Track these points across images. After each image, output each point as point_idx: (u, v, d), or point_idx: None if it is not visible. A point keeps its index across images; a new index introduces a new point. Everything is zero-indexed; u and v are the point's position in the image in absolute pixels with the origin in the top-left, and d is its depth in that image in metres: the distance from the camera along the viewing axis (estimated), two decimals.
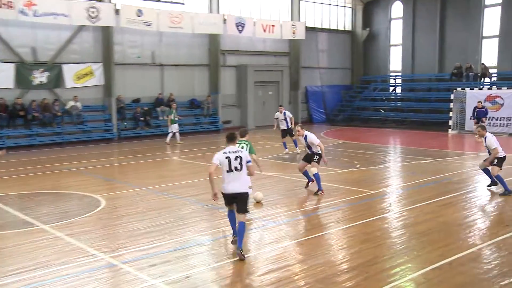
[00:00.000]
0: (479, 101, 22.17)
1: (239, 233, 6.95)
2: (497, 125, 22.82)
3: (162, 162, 16.31)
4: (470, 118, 22.79)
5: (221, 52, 27.13)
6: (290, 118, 17.55)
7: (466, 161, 15.70)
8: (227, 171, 7.01)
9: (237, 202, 7.04)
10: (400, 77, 32.78)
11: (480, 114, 21.74)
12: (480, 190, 11.36)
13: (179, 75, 26.04)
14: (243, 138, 9.60)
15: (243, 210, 7.01)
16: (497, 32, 27.96)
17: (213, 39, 26.62)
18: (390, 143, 21.98)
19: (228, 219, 7.52)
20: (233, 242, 7.41)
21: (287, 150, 17.34)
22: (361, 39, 33.71)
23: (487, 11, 28.44)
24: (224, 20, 24.83)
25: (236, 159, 7.04)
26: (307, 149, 11.26)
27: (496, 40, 28.08)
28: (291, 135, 17.52)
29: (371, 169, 14.07)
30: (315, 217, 9.17)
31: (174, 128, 20.84)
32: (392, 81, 33.60)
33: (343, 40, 33.68)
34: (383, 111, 30.76)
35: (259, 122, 28.30)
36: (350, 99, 32.81)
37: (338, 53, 33.47)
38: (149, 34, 24.17)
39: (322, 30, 32.37)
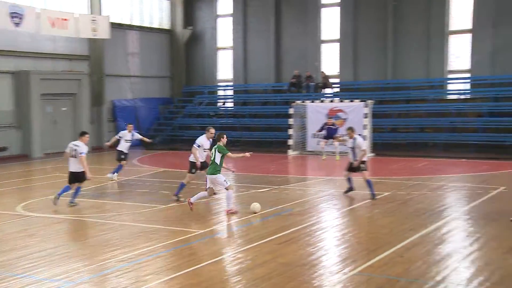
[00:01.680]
0: (329, 118, 24.40)
1: (74, 193, 14.03)
2: (341, 144, 25.21)
3: None
4: (321, 137, 24.59)
5: None
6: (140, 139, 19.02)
7: (309, 188, 17.03)
8: (70, 157, 13.83)
9: (76, 179, 13.90)
10: (231, 88, 34.36)
11: (331, 132, 23.80)
12: (325, 221, 12.40)
13: None
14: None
15: (79, 182, 13.98)
16: (337, 35, 31.20)
17: None
18: None
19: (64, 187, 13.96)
20: (55, 202, 13.72)
21: (115, 174, 18.06)
22: (183, 41, 34.62)
23: (324, 11, 31.58)
24: None
25: (74, 150, 13.76)
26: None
27: (337, 45, 31.30)
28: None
29: (198, 203, 14.38)
30: (126, 270, 9.00)
31: None
32: (221, 92, 35.05)
33: (160, 42, 34.20)
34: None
35: (48, 147, 26.95)
36: (170, 115, 33.34)
37: (154, 57, 33.85)
38: None
39: (132, 27, 32.45)
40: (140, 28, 32.95)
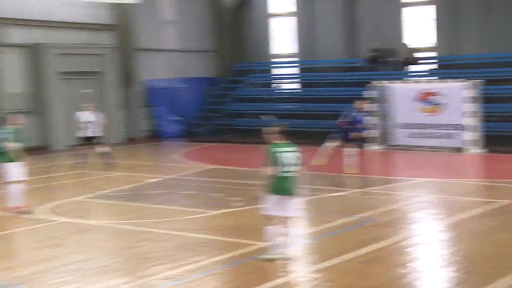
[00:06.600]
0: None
1: None
2: (435, 136, 24.64)
3: None
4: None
5: None
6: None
7: (396, 192, 16.81)
8: None
9: None
10: (291, 65, 34.14)
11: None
12: (422, 235, 12.23)
13: None
14: None
15: None
16: None
17: None
18: None
19: None
20: None
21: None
22: (229, 5, 34.39)
23: None
24: None
25: None
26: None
27: (431, 8, 30.54)
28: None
29: (258, 209, 14.39)
30: None
31: None
32: (276, 71, 34.89)
33: (202, 6, 34.18)
34: (263, 118, 31.62)
35: (72, 138, 27.45)
36: (218, 100, 33.23)
37: (195, 27, 33.80)
38: None
39: None
40: None
